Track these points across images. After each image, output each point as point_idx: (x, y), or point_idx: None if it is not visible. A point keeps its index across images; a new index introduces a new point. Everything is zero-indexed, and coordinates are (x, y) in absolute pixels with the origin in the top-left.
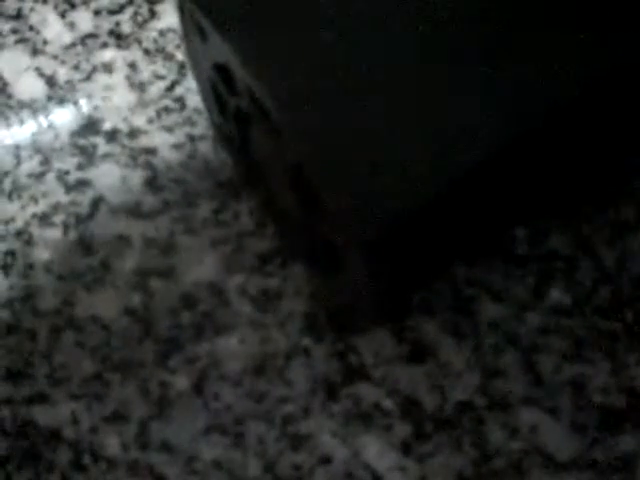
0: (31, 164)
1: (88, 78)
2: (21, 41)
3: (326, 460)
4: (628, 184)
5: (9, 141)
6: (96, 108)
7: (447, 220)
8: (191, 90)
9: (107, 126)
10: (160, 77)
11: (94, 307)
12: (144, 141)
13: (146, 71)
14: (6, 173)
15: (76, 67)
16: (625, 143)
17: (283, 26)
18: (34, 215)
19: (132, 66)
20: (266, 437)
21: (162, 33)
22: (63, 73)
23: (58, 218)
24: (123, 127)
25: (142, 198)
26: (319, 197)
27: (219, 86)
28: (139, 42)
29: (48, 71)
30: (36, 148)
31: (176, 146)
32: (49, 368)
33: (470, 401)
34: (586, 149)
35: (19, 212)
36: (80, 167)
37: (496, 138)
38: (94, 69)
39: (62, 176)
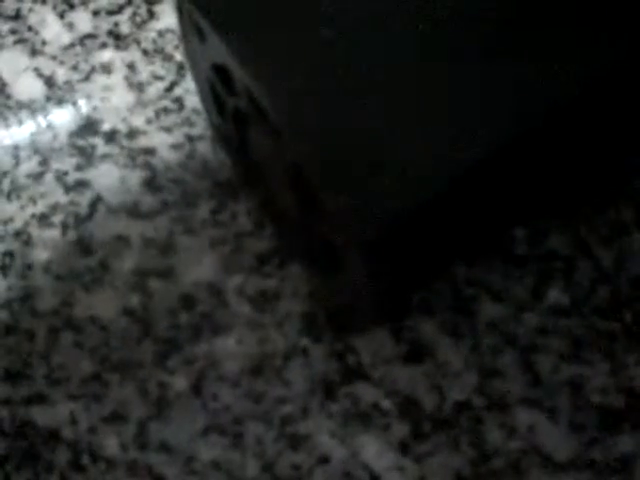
0: (30, 164)
1: (87, 78)
2: (20, 41)
3: (324, 460)
4: (628, 184)
5: (8, 141)
6: (95, 108)
7: (447, 220)
8: (190, 90)
9: (106, 126)
10: (159, 78)
11: (93, 307)
12: (143, 141)
13: (145, 72)
14: (5, 173)
15: (75, 67)
16: (625, 143)
17: (281, 26)
18: (33, 215)
19: (131, 67)
20: (264, 437)
21: (161, 34)
22: (62, 73)
23: (57, 218)
24: (122, 127)
25: (141, 198)
26: (318, 197)
27: (217, 86)
28: (138, 43)
29: (47, 71)
30: (35, 148)
31: (175, 146)
32: (48, 368)
33: (468, 401)
34: (586, 149)
35: (18, 212)
36: (79, 167)
37: (496, 138)
38: (93, 69)
39: (61, 176)
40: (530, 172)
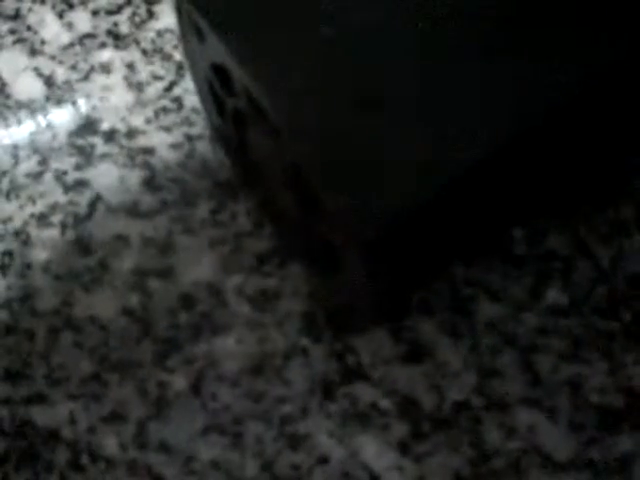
0: (29, 164)
1: (86, 78)
2: (19, 41)
3: (324, 460)
4: (628, 183)
5: (7, 141)
6: (94, 108)
7: (446, 220)
8: (189, 90)
9: (105, 126)
10: (158, 77)
11: (92, 307)
12: (142, 141)
13: (144, 71)
14: (4, 173)
15: (74, 67)
16: (625, 143)
17: (280, 26)
18: (32, 215)
19: (130, 66)
20: (264, 437)
21: (160, 33)
22: (61, 73)
23: (56, 218)
24: (121, 127)
25: (140, 198)
26: (317, 197)
27: (216, 86)
28: (137, 42)
29: (46, 71)
30: (34, 148)
31: (174, 146)
32: (47, 368)
33: (467, 401)
34: (586, 148)
35: (17, 212)
36: (78, 167)
37: (495, 138)
38: (92, 69)
39: (60, 176)
40: (530, 172)
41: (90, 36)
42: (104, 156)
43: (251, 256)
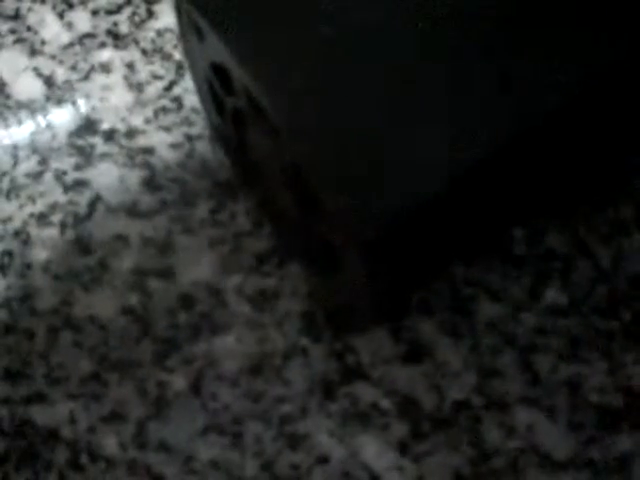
0: (29, 164)
1: (86, 78)
2: (19, 41)
3: (324, 460)
4: (628, 183)
5: (7, 141)
6: (94, 108)
7: (446, 220)
8: (189, 90)
9: (105, 126)
10: (158, 77)
11: (92, 307)
12: (142, 141)
13: (144, 71)
14: (4, 173)
15: (74, 67)
16: (625, 143)
17: (280, 25)
18: (32, 215)
19: (130, 66)
20: (264, 437)
21: (160, 33)
22: (61, 73)
23: (56, 218)
24: (121, 127)
25: (140, 198)
26: (317, 197)
27: (216, 86)
28: (137, 42)
29: (46, 71)
30: (34, 148)
31: (174, 146)
32: (47, 368)
33: (467, 400)
34: (586, 148)
35: (17, 212)
36: (78, 167)
37: (495, 138)
38: (92, 69)
39: (60, 176)
40: (530, 172)
41: (90, 36)
42: (104, 156)
43: (250, 256)
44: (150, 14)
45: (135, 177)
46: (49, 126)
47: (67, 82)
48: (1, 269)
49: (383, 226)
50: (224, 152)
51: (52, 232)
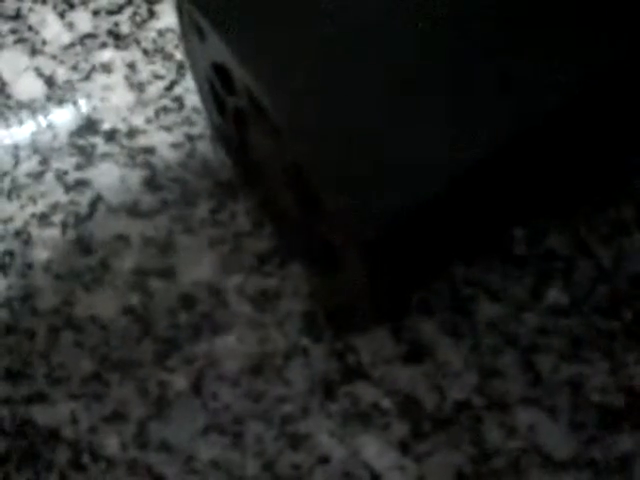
0: (30, 164)
1: (87, 78)
2: (20, 41)
3: (325, 460)
4: (628, 183)
5: (8, 141)
6: (95, 108)
7: (446, 220)
8: (190, 90)
9: (106, 126)
10: (159, 77)
11: (93, 307)
12: (143, 141)
13: (145, 71)
14: (5, 173)
15: (75, 67)
16: (625, 143)
17: (281, 25)
18: (33, 215)
19: (131, 66)
20: (264, 437)
21: (161, 33)
22: (62, 73)
23: (57, 218)
24: (122, 127)
25: (141, 197)
26: (318, 197)
27: (217, 86)
28: (138, 42)
29: (47, 71)
30: (35, 148)
31: (175, 145)
32: (48, 368)
33: (468, 400)
34: (586, 148)
35: (18, 212)
36: (79, 167)
37: (495, 138)
38: (93, 69)
39: (61, 176)
40: (530, 172)
41: (91, 36)
42: (105, 156)
43: (251, 256)
44: (151, 14)
45: (136, 177)
46: (50, 126)
47: (68, 82)
48: (2, 269)
49: (383, 226)
50: (225, 152)
51: (53, 232)
